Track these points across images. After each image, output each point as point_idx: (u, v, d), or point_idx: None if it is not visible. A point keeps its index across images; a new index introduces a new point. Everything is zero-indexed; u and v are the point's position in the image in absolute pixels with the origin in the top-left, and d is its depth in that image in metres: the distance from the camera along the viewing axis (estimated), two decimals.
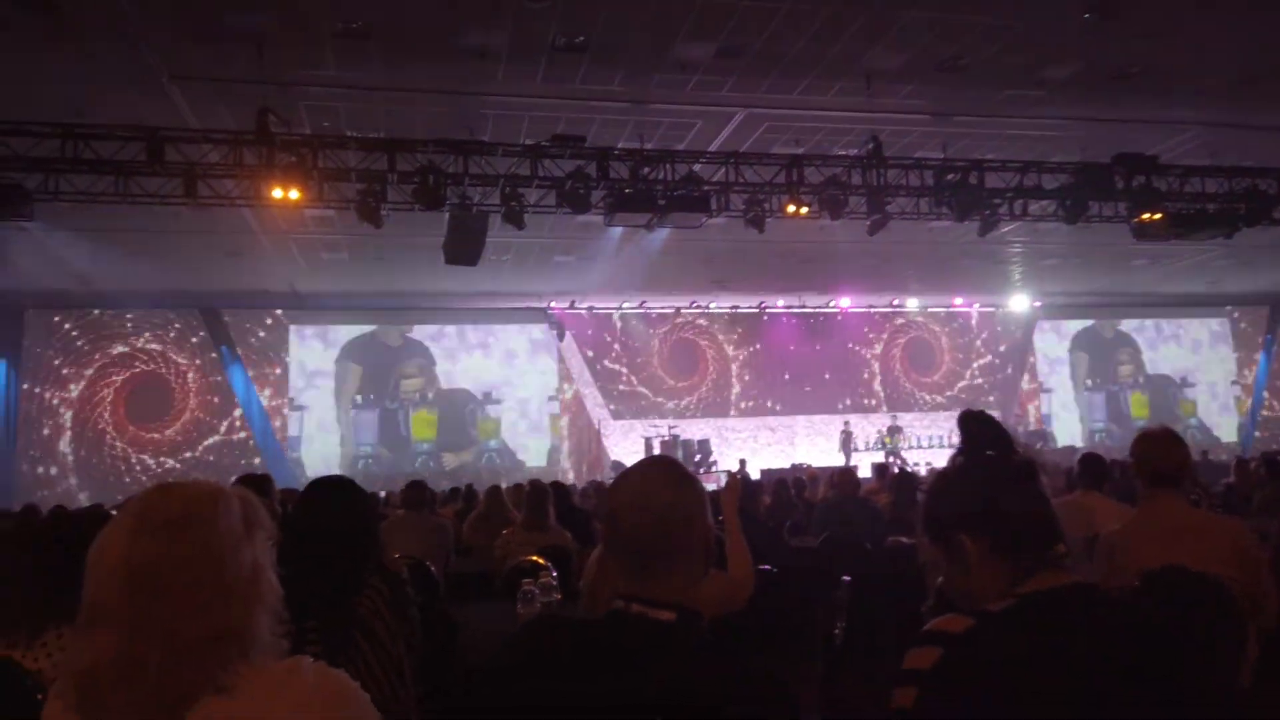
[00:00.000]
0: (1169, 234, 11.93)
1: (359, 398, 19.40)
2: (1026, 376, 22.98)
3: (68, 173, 9.43)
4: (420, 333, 19.99)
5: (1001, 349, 22.87)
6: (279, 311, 19.20)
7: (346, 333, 19.57)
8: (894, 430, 19.83)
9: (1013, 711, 1.29)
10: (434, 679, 2.53)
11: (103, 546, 1.38)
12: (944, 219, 11.92)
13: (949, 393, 22.41)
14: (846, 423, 20.34)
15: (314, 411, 19.24)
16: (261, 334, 19.22)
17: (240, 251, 14.60)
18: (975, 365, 22.68)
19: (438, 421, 19.66)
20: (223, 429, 18.63)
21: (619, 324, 20.79)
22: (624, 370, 20.80)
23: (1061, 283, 20.31)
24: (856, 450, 19.42)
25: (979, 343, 22.79)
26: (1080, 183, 11.52)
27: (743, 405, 21.30)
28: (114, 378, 18.30)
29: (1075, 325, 23.31)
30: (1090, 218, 11.90)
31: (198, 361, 18.71)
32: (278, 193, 9.50)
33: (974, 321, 22.74)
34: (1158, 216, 11.63)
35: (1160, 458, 2.98)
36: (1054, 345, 23.27)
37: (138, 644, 1.30)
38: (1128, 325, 23.55)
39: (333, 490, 2.58)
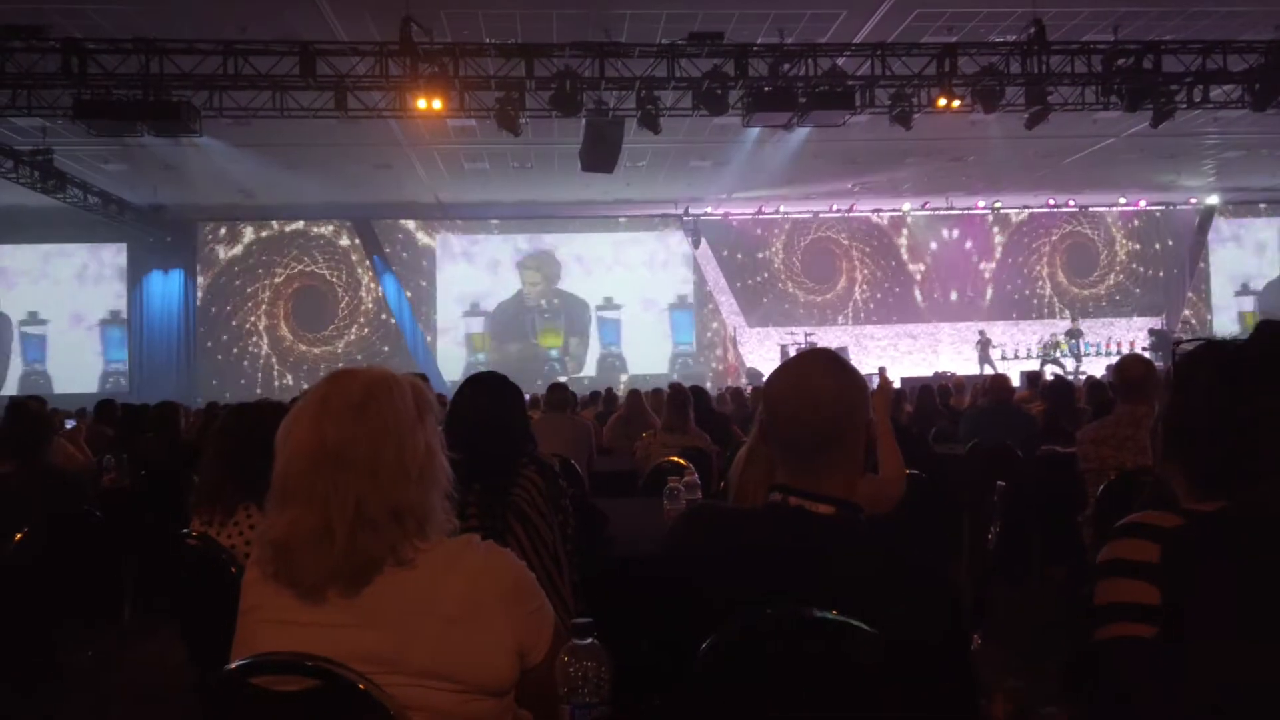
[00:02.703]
0: None
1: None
2: (1193, 280, 21.25)
3: (229, 89, 9.94)
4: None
5: (1171, 251, 21.16)
6: (428, 222, 19.85)
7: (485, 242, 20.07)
8: (1053, 338, 18.91)
9: (1245, 609, 1.21)
10: (588, 567, 2.62)
11: (291, 429, 1.46)
12: (1112, 109, 11.02)
13: (1110, 297, 21.03)
14: (982, 331, 19.52)
15: (455, 320, 19.97)
16: (410, 244, 19.96)
17: (388, 164, 15.08)
18: (1140, 269, 21.11)
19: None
20: (378, 335, 19.61)
21: (755, 229, 20.43)
22: (759, 277, 20.51)
23: (1244, 177, 18.53)
24: (1005, 359, 18.63)
25: (1146, 245, 21.13)
26: (1272, 64, 10.36)
27: (881, 312, 20.68)
28: (276, 285, 19.47)
29: (1259, 224, 21.30)
30: None
31: (355, 271, 19.67)
32: (422, 103, 9.74)
33: (1140, 222, 21.07)
34: None
35: None
36: (1229, 246, 21.39)
37: (326, 518, 1.38)
38: None
39: (488, 383, 2.68)
